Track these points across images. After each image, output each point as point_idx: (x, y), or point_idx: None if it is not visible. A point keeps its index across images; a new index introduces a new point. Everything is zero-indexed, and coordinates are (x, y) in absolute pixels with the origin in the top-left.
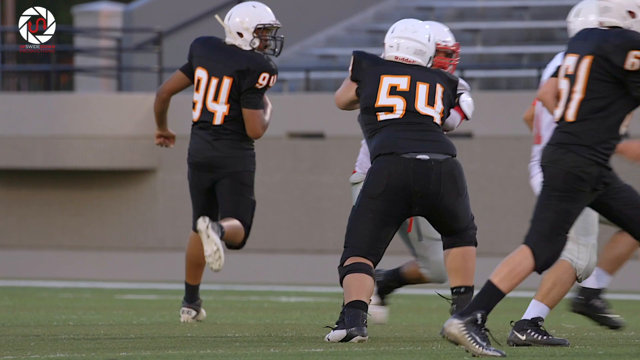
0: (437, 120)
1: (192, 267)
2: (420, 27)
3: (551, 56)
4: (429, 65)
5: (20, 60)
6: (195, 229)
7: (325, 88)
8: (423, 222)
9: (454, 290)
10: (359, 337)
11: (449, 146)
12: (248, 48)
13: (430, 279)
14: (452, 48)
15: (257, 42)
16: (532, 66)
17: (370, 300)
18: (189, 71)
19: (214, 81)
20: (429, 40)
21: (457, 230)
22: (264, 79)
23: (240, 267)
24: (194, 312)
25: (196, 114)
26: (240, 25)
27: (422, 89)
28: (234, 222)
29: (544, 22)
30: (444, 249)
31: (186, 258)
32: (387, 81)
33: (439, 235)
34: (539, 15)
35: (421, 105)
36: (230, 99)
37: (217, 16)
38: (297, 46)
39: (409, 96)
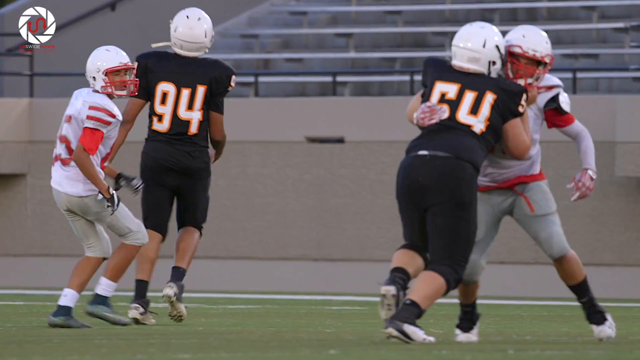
0: (477, 128)
1: (143, 262)
2: (475, 34)
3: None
4: (495, 67)
5: None
6: (146, 227)
7: None
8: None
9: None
10: (384, 287)
11: (462, 150)
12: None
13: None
14: (540, 59)
15: None
16: (405, 71)
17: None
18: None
19: (185, 92)
20: (483, 46)
21: (439, 253)
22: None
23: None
24: (142, 309)
25: (165, 125)
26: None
27: (469, 97)
28: (190, 247)
29: (417, 28)
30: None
31: (138, 254)
32: (439, 87)
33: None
34: (411, 20)
35: (462, 115)
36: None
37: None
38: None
39: (454, 104)
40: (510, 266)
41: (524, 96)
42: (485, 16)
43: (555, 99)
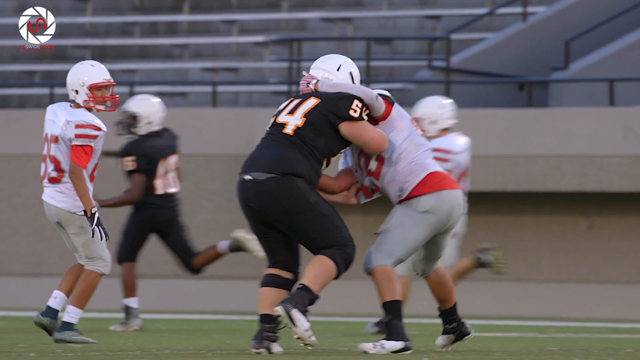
0: (290, 127)
1: None
2: (331, 57)
3: (63, 74)
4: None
5: None
6: None
7: None
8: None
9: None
10: (254, 350)
11: (279, 164)
12: None
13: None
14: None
15: None
16: (44, 84)
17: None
18: None
19: None
20: (338, 69)
21: (319, 248)
22: None
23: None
24: None
25: None
26: None
27: (293, 103)
28: None
29: (57, 40)
30: None
31: None
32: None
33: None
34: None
35: (282, 117)
36: None
37: None
38: None
39: (279, 114)
40: (150, 280)
41: (354, 102)
42: (126, 29)
43: None
